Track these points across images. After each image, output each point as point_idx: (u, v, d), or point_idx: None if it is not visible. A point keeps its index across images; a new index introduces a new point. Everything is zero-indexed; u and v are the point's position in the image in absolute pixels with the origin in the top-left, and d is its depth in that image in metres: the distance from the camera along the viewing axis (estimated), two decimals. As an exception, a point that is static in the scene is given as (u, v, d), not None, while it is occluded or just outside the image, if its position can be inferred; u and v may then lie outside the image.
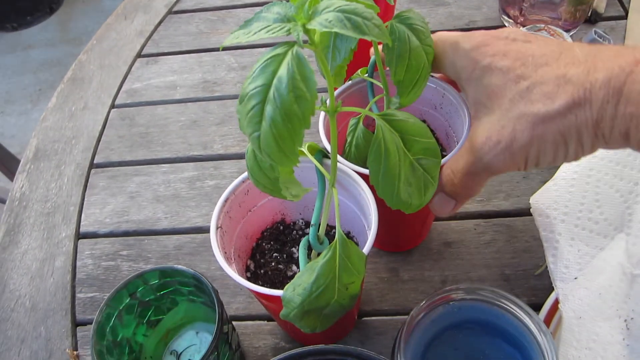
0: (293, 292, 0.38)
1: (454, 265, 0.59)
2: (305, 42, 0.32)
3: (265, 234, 0.52)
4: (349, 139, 0.47)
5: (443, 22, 0.85)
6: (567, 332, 0.48)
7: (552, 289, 0.52)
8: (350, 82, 0.51)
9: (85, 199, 0.72)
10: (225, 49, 0.89)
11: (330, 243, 0.44)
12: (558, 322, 0.51)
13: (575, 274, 0.52)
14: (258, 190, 0.48)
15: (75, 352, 0.58)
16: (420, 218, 0.56)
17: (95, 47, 0.95)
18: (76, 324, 0.61)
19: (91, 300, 0.62)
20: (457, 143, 0.46)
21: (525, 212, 0.61)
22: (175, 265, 0.49)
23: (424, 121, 0.54)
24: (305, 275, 0.38)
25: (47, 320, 0.61)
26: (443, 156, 0.41)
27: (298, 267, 0.48)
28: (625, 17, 0.80)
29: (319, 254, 0.48)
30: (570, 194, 0.54)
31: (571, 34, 0.78)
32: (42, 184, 0.75)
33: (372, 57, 0.47)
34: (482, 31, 0.40)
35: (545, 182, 0.61)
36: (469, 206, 0.63)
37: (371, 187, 0.41)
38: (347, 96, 0.51)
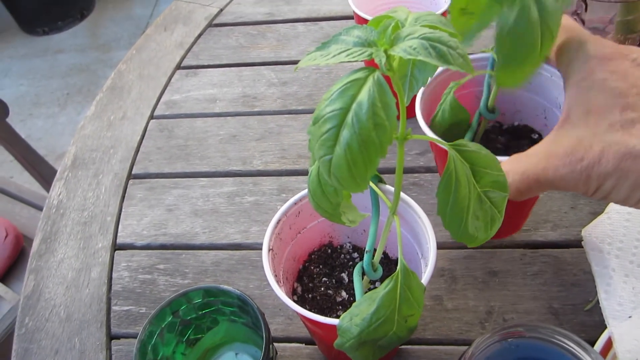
0: (350, 322, 0.37)
1: (499, 296, 0.57)
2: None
3: (312, 256, 0.51)
4: (439, 106, 0.47)
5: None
6: (623, 373, 0.47)
7: (603, 326, 0.50)
8: (474, 55, 0.51)
9: (123, 209, 0.72)
10: (266, 64, 0.89)
11: (383, 270, 0.43)
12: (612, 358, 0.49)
13: (629, 312, 0.51)
14: (309, 212, 0.48)
15: (109, 367, 0.57)
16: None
17: (135, 57, 0.95)
18: (111, 337, 0.60)
19: (127, 313, 0.62)
20: None
21: (574, 244, 0.60)
22: (220, 285, 0.48)
23: (545, 118, 0.53)
24: (364, 305, 0.37)
25: (81, 332, 0.61)
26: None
27: (347, 293, 0.47)
28: (676, 47, 0.78)
29: (371, 281, 0.47)
30: (625, 229, 0.53)
31: (620, 62, 0.76)
32: (79, 193, 0.75)
33: None
34: (614, 43, 0.39)
35: (594, 214, 0.59)
36: (516, 235, 0.61)
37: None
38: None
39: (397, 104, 0.30)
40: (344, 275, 0.49)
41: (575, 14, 0.71)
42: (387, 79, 0.30)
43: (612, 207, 0.54)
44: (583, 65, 0.38)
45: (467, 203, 0.36)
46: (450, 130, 0.50)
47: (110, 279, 0.65)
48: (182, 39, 0.96)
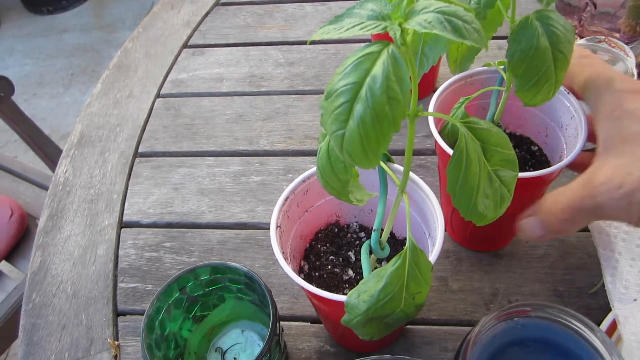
0: (358, 298, 0.37)
1: (505, 278, 0.57)
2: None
3: (319, 235, 0.51)
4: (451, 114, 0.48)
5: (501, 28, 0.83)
6: (627, 355, 0.47)
7: (608, 309, 0.50)
8: (481, 68, 0.52)
9: (129, 188, 0.72)
10: (273, 44, 0.88)
11: (390, 249, 0.43)
12: (616, 344, 0.49)
13: (634, 296, 0.51)
14: (316, 190, 0.48)
15: (116, 342, 0.58)
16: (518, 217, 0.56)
17: (142, 35, 0.94)
18: (117, 313, 0.61)
19: (133, 290, 0.62)
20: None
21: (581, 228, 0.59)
22: (227, 262, 0.49)
23: (546, 136, 0.53)
24: (371, 282, 0.37)
25: (88, 308, 0.61)
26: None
27: (354, 272, 0.47)
28: (687, 32, 0.78)
29: (378, 260, 0.47)
30: (633, 212, 0.53)
31: (630, 47, 0.76)
32: (85, 170, 0.75)
33: None
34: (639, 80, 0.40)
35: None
36: (522, 218, 0.61)
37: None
38: (471, 82, 0.52)
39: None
40: (351, 254, 0.49)
41: (587, -4, 0.71)
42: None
43: (620, 191, 0.54)
44: (612, 98, 0.40)
45: (477, 181, 0.36)
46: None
47: (116, 256, 0.65)
48: (189, 18, 0.96)
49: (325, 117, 0.31)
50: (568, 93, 0.49)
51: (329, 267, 0.48)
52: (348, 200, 0.40)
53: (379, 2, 0.31)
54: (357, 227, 0.52)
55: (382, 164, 0.42)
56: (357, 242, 0.50)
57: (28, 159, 1.97)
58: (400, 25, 0.29)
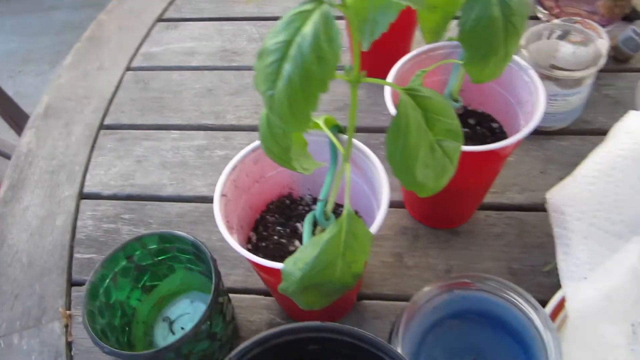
0: (294, 266, 0.37)
1: (460, 255, 0.57)
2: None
3: (270, 206, 0.50)
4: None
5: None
6: (571, 331, 0.46)
7: (560, 287, 0.50)
8: (442, 42, 0.50)
9: (92, 159, 0.71)
10: (248, 19, 0.87)
11: (335, 219, 0.43)
12: (563, 321, 0.49)
13: (585, 274, 0.50)
14: (267, 161, 0.47)
15: (68, 312, 0.57)
16: (475, 194, 0.56)
17: (116, 8, 0.93)
18: (71, 283, 0.60)
19: (88, 261, 0.61)
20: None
21: (540, 208, 0.59)
22: (175, 231, 0.48)
23: (507, 113, 0.53)
24: (308, 250, 0.36)
25: (42, 278, 0.60)
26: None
27: (301, 243, 0.47)
28: (664, 17, 0.77)
29: (324, 231, 0.46)
30: (589, 192, 0.52)
31: (607, 29, 0.75)
32: (49, 142, 0.74)
33: None
34: None
35: (563, 179, 0.59)
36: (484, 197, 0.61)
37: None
38: (433, 56, 0.51)
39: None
40: (299, 225, 0.48)
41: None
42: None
43: (579, 171, 0.54)
44: None
45: (417, 150, 0.35)
46: None
47: (74, 227, 0.65)
48: (165, -8, 0.94)
49: (258, 77, 0.31)
50: (529, 70, 0.49)
51: (276, 237, 0.47)
52: (292, 168, 0.39)
53: None
54: (311, 200, 0.51)
55: (330, 134, 0.42)
56: (305, 212, 0.50)
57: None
58: None
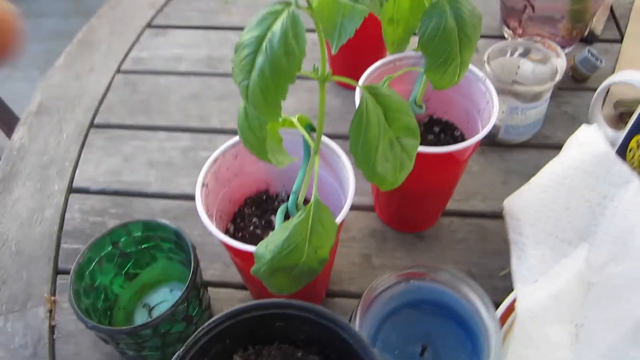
0: (265, 248, 0.40)
1: (424, 258, 0.61)
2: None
3: (248, 200, 0.54)
4: None
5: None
6: (519, 330, 0.50)
7: (513, 290, 0.54)
8: (410, 52, 0.55)
9: (82, 156, 0.75)
10: (234, 29, 0.91)
11: None
12: (513, 321, 0.53)
13: (536, 277, 0.54)
14: (247, 157, 0.51)
15: (52, 298, 0.60)
16: (438, 199, 0.60)
17: (108, 14, 0.97)
18: (57, 271, 0.63)
19: (75, 251, 0.64)
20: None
21: (500, 216, 0.63)
22: (158, 220, 0.52)
23: (467, 122, 0.58)
24: (278, 234, 0.40)
25: (30, 266, 0.63)
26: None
27: None
28: (620, 41, 0.83)
29: None
30: (542, 200, 0.57)
31: (566, 50, 0.81)
32: (41, 138, 0.77)
33: None
34: None
35: (522, 189, 0.63)
36: (449, 204, 0.65)
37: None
38: (400, 65, 0.55)
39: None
40: (273, 217, 0.52)
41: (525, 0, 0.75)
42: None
43: (534, 180, 0.58)
44: None
45: (377, 143, 0.39)
46: None
47: (62, 219, 0.68)
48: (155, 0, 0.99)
49: (235, 69, 0.35)
50: (485, 79, 0.53)
51: (251, 228, 0.51)
52: (267, 159, 0.43)
53: None
54: (285, 196, 0.55)
55: (303, 130, 0.46)
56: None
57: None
58: None
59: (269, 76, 0.33)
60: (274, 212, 0.53)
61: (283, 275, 0.42)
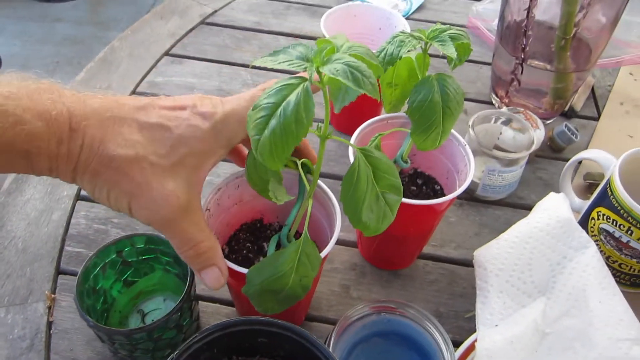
0: (257, 272, 0.46)
1: (398, 294, 0.67)
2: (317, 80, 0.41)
3: (243, 226, 0.60)
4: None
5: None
6: (477, 364, 0.56)
7: (475, 331, 0.60)
8: (401, 113, 0.62)
9: (91, 167, 0.80)
10: (245, 66, 0.98)
11: None
12: (473, 358, 0.59)
13: (496, 322, 0.60)
14: (246, 188, 0.57)
15: (52, 295, 0.65)
16: (415, 243, 0.66)
17: (129, 37, 1.04)
18: (59, 272, 0.68)
19: (77, 254, 0.70)
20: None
21: (469, 264, 0.69)
22: (161, 235, 0.57)
23: (447, 178, 0.65)
24: (269, 260, 0.46)
25: (34, 264, 0.68)
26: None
27: None
28: (597, 119, 0.90)
29: None
30: (508, 254, 0.62)
31: (547, 122, 0.88)
32: (55, 146, 0.83)
33: None
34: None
35: (493, 240, 0.69)
36: (425, 248, 0.71)
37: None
38: (391, 123, 0.63)
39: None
40: (265, 244, 0.58)
41: (513, 74, 0.83)
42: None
43: (503, 236, 0.64)
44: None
45: (364, 196, 0.45)
46: None
47: (68, 223, 0.73)
48: (175, 30, 1.05)
49: (250, 123, 0.41)
50: (465, 145, 0.60)
51: (245, 252, 0.57)
52: (268, 197, 0.49)
53: (306, 47, 0.42)
54: (278, 226, 0.61)
55: (303, 175, 0.52)
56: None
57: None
58: (317, 68, 0.40)
59: (279, 136, 0.39)
60: (267, 239, 0.59)
61: (270, 297, 0.47)
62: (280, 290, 0.47)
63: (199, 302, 0.64)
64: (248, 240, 0.58)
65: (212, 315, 0.64)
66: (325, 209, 0.55)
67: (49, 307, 0.64)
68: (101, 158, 0.42)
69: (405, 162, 0.59)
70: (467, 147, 0.60)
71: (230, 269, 0.49)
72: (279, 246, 0.53)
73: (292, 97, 0.39)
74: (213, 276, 0.48)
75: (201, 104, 0.46)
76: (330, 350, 0.48)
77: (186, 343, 0.43)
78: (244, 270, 0.47)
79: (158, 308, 0.62)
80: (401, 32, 0.52)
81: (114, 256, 0.58)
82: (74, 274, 0.68)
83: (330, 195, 0.54)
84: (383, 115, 0.62)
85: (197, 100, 0.47)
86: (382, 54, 0.51)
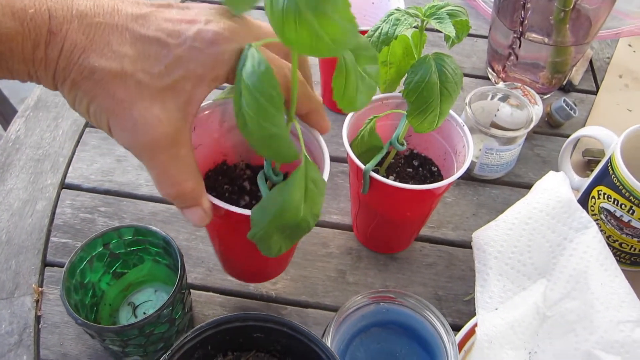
0: (261, 211, 0.41)
1: (395, 278, 0.65)
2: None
3: (209, 174, 0.55)
4: (360, 132, 0.56)
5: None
6: (477, 352, 0.55)
7: (475, 315, 0.59)
8: (396, 93, 0.59)
9: (76, 154, 0.77)
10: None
11: (283, 176, 0.47)
12: (473, 343, 0.58)
13: (496, 305, 0.59)
14: (203, 128, 0.51)
15: (40, 289, 0.63)
16: (412, 226, 0.65)
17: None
18: (45, 264, 0.66)
19: (63, 245, 0.67)
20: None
21: (468, 245, 0.68)
22: (149, 226, 0.55)
23: (444, 160, 0.63)
24: (274, 196, 0.41)
25: (19, 256, 0.66)
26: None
27: (250, 197, 0.52)
28: (595, 92, 0.88)
29: (273, 185, 0.48)
30: (507, 236, 0.61)
31: (545, 97, 0.86)
32: (37, 132, 0.80)
33: None
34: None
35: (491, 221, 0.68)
36: (422, 230, 0.70)
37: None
38: (386, 104, 0.60)
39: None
40: (246, 183, 0.54)
41: (510, 48, 0.80)
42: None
43: (501, 217, 0.63)
44: None
45: (356, 85, 0.41)
46: (366, 152, 0.58)
47: (53, 213, 0.71)
48: None
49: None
50: (464, 126, 0.58)
51: (226, 194, 0.52)
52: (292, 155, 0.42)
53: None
54: (244, 165, 0.56)
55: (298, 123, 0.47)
56: (246, 176, 0.55)
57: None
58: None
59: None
60: (240, 179, 0.54)
61: (278, 235, 0.42)
62: (290, 225, 0.42)
63: (191, 291, 0.62)
64: (223, 182, 0.54)
65: (205, 304, 0.63)
66: (307, 146, 0.51)
67: (37, 301, 0.63)
68: (81, 68, 0.37)
69: (402, 144, 0.57)
70: (466, 127, 0.57)
71: (228, 212, 0.44)
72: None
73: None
74: (196, 216, 0.44)
75: (217, 22, 0.39)
76: (330, 341, 0.46)
77: (179, 342, 0.41)
78: (247, 212, 0.43)
79: (149, 300, 0.60)
80: (396, 9, 0.50)
81: (100, 249, 0.56)
82: (61, 265, 0.66)
83: (313, 130, 0.50)
84: (378, 95, 0.59)
85: (214, 16, 0.40)
86: (377, 33, 0.49)
